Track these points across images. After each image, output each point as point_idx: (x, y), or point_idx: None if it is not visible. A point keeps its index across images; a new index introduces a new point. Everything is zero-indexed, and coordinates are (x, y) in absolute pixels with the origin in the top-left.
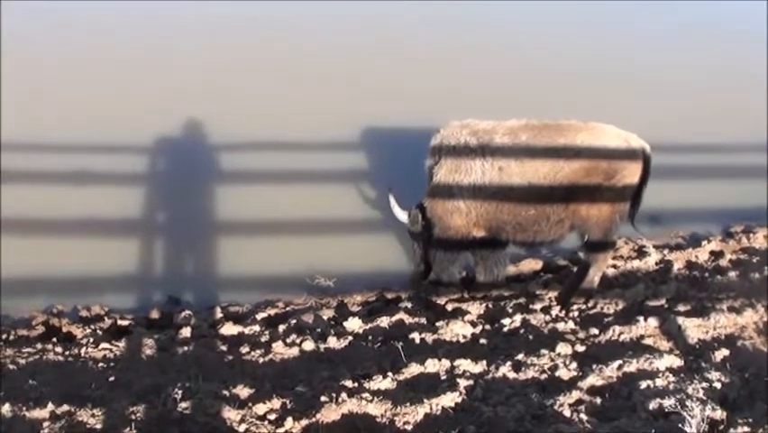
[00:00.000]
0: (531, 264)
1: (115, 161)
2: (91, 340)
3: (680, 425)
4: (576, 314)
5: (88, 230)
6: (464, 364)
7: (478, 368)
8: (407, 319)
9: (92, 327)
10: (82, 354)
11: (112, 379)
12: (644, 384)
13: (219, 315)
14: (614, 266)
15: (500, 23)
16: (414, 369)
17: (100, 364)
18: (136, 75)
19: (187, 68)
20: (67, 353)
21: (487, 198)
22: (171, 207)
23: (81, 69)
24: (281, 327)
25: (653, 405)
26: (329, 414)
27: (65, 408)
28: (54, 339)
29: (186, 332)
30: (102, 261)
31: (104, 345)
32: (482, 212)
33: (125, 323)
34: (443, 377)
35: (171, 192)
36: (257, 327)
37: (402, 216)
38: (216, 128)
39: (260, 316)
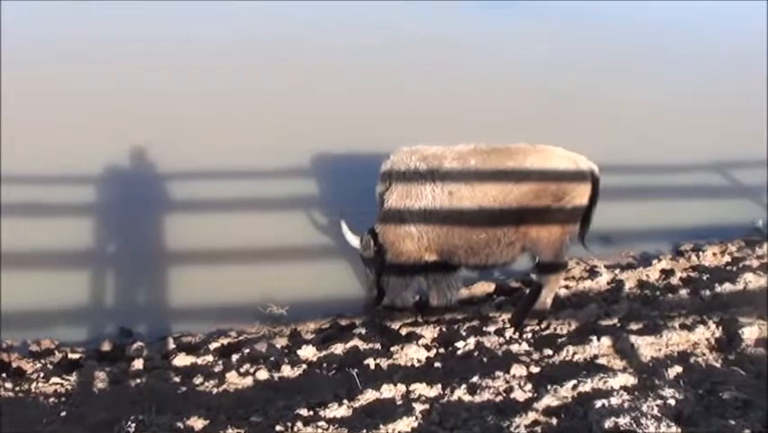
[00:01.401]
0: (484, 287)
1: (63, 191)
2: (42, 375)
3: None
4: (530, 335)
5: (37, 262)
6: (420, 389)
7: (433, 392)
8: (362, 345)
9: (42, 361)
10: (33, 390)
11: (64, 414)
12: (599, 403)
13: (171, 346)
14: (566, 287)
15: (450, 47)
16: (369, 395)
17: (52, 399)
18: (83, 104)
19: (135, 96)
20: (17, 388)
21: (438, 222)
22: (121, 238)
23: (28, 99)
24: (235, 357)
25: (608, 424)
26: None
27: None
28: (4, 375)
29: (138, 364)
30: (52, 293)
31: (55, 379)
32: (434, 237)
33: (76, 356)
34: (399, 402)
35: (121, 222)
36: (210, 357)
37: (354, 241)
38: (165, 157)
39: (212, 346)
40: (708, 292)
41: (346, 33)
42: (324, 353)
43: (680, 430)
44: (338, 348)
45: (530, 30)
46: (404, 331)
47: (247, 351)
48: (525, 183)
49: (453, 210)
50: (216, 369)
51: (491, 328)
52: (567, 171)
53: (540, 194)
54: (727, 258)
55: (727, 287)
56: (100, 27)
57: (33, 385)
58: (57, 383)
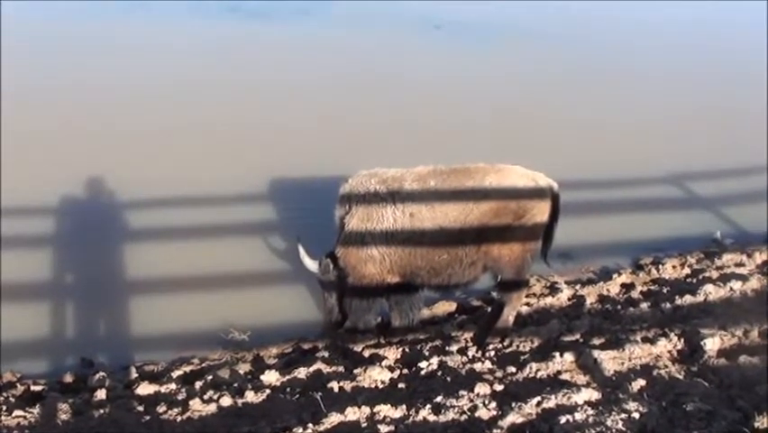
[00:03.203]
0: (445, 306)
1: (21, 223)
2: (4, 408)
3: None
4: (492, 353)
5: None
6: (384, 410)
7: (398, 413)
8: (325, 369)
9: (4, 394)
10: None
11: None
12: (563, 419)
13: (134, 375)
14: (527, 304)
15: (400, 72)
16: (334, 418)
17: None
18: (40, 134)
19: (92, 125)
20: None
21: (400, 244)
22: (80, 268)
23: None
24: (198, 384)
25: None
26: None
27: None
28: None
29: (101, 394)
30: (11, 326)
31: (17, 412)
32: (396, 259)
33: (39, 388)
34: (364, 424)
35: (79, 253)
36: (173, 385)
37: (312, 266)
38: (123, 186)
39: (175, 373)
40: (668, 305)
41: (298, 63)
42: (287, 377)
43: None
44: (301, 372)
45: (478, 52)
46: (367, 353)
47: (210, 377)
48: (486, 202)
49: (415, 232)
50: (180, 397)
51: (454, 348)
52: (526, 189)
53: (500, 212)
54: (687, 270)
55: (688, 299)
56: (57, 57)
57: None
58: (20, 416)
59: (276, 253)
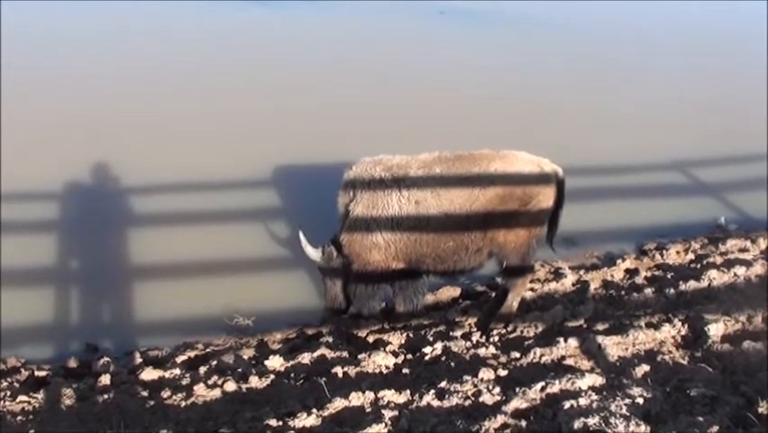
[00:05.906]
0: (449, 292)
1: (26, 208)
2: (8, 393)
3: None
4: (497, 339)
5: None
6: (388, 395)
7: (402, 398)
8: (329, 354)
9: (8, 379)
10: (0, 409)
11: (32, 432)
12: (567, 404)
13: (138, 360)
14: (531, 289)
15: (404, 58)
16: (338, 403)
17: (19, 418)
18: (42, 120)
19: (96, 111)
20: None
21: (405, 231)
22: (84, 254)
23: None
24: (202, 369)
25: (577, 424)
26: None
27: None
28: None
29: (105, 379)
30: (16, 311)
31: (22, 397)
32: (401, 246)
33: (43, 374)
34: (368, 409)
35: (83, 238)
36: (177, 371)
37: (314, 254)
38: (126, 172)
39: (179, 359)
40: (672, 290)
41: (301, 49)
42: (291, 362)
43: (648, 429)
44: (305, 357)
45: (482, 38)
46: (371, 338)
47: (214, 363)
48: (491, 189)
49: (420, 219)
50: (184, 382)
51: (458, 333)
52: (532, 175)
53: (506, 199)
54: (691, 256)
55: (692, 284)
56: (63, 43)
57: (0, 404)
58: (24, 402)
59: (281, 238)
